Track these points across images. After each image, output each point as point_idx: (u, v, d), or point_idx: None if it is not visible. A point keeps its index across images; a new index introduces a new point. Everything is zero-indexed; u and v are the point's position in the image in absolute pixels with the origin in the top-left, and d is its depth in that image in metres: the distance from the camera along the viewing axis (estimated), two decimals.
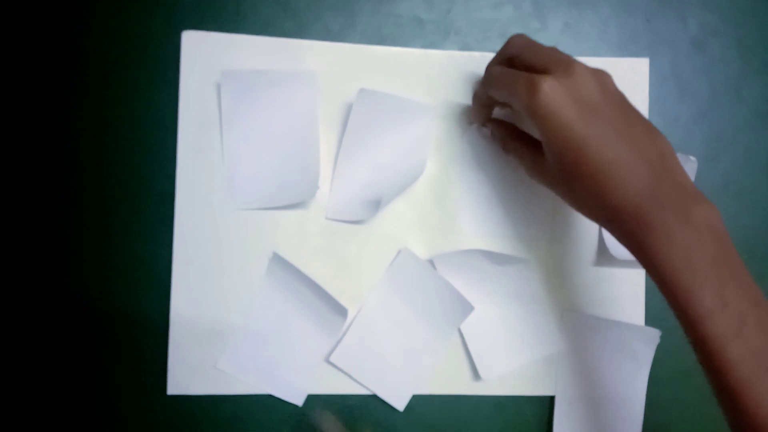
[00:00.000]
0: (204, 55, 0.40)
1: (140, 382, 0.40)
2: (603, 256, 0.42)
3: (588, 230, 0.43)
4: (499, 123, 0.40)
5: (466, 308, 0.40)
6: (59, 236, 0.40)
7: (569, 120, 0.31)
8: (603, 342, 0.42)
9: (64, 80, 0.40)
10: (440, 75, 0.42)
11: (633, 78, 0.43)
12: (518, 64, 0.35)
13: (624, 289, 0.43)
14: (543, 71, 0.32)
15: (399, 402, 0.41)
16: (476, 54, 0.42)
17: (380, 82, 0.41)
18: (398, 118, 0.40)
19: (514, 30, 0.43)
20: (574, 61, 0.32)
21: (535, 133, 0.34)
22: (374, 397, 0.41)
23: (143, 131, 0.40)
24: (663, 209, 0.30)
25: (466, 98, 0.42)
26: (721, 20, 0.44)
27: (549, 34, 0.43)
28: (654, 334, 0.42)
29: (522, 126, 0.39)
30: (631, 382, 0.42)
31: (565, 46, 0.43)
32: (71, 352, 0.40)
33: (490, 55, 0.42)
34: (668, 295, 0.30)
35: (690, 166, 0.42)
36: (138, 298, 0.40)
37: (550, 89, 0.31)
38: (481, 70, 0.42)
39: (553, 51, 0.34)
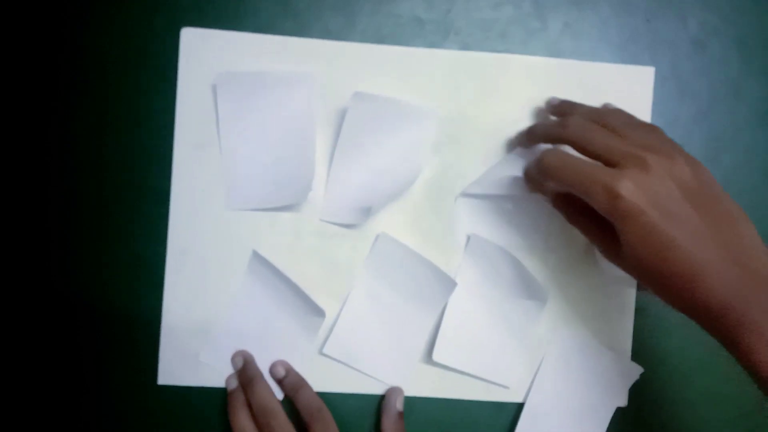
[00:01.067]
0: (203, 52, 0.40)
1: (133, 372, 0.40)
2: (596, 268, 0.42)
3: (583, 242, 0.42)
4: (562, 196, 0.38)
5: (450, 284, 0.40)
6: (57, 232, 0.40)
7: (652, 223, 0.30)
8: (583, 365, 0.42)
9: (63, 79, 0.40)
10: (441, 76, 0.42)
11: (637, 86, 0.43)
12: (577, 148, 0.34)
13: (615, 304, 0.43)
14: (611, 164, 0.32)
15: (396, 379, 0.41)
16: (479, 54, 0.42)
17: (380, 82, 0.41)
18: (394, 121, 0.40)
19: (515, 30, 0.43)
20: (648, 155, 0.31)
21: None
22: (358, 397, 0.41)
23: (142, 130, 0.40)
24: (753, 306, 0.29)
25: (466, 100, 0.42)
26: (721, 20, 0.44)
27: (549, 34, 0.43)
28: (634, 371, 0.42)
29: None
30: (598, 409, 0.42)
31: (565, 46, 0.43)
32: (69, 342, 0.40)
33: (494, 56, 0.42)
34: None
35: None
36: (133, 294, 0.40)
37: (630, 194, 0.30)
38: (483, 71, 0.42)
39: (622, 143, 0.32)
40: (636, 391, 0.43)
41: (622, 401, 0.43)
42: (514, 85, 0.42)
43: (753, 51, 0.44)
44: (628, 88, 0.43)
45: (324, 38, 0.41)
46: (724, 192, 0.32)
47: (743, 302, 0.29)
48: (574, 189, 0.33)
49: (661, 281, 0.31)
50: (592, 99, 0.42)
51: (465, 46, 0.42)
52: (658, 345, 0.43)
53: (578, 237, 0.42)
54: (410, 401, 0.42)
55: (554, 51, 0.43)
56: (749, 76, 0.44)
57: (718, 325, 0.30)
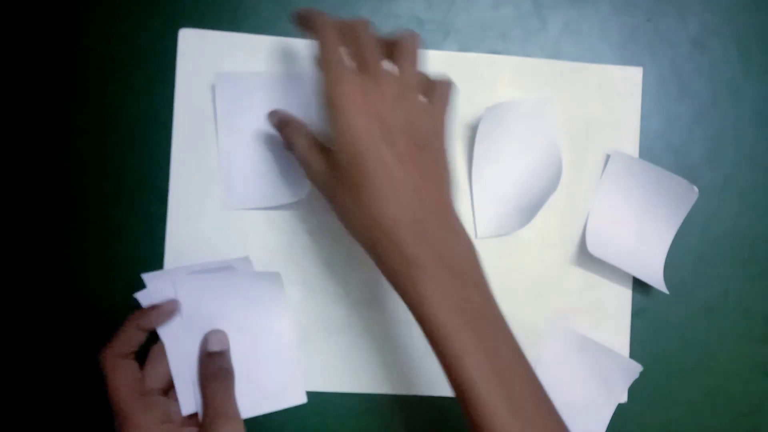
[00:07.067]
0: (201, 53, 0.40)
1: None
2: (592, 264, 0.42)
3: (578, 239, 0.43)
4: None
5: None
6: (58, 231, 0.40)
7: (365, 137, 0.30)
8: (583, 363, 0.42)
9: (63, 79, 0.40)
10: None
11: (626, 86, 0.43)
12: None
13: (611, 300, 0.43)
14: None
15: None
16: (470, 55, 0.42)
17: None
18: None
19: (514, 30, 0.43)
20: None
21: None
22: (375, 396, 0.41)
23: (141, 130, 0.40)
24: (425, 246, 0.30)
25: (462, 100, 0.42)
26: (721, 20, 0.44)
27: (549, 34, 0.43)
28: (634, 368, 0.41)
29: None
30: (597, 409, 0.42)
31: (565, 46, 0.43)
32: (69, 343, 0.40)
33: (485, 57, 0.42)
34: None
35: (690, 196, 0.41)
36: (132, 294, 0.40)
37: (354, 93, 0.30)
38: (475, 71, 0.42)
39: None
40: (635, 392, 0.42)
41: (623, 398, 0.43)
42: (505, 85, 0.42)
43: (753, 51, 0.44)
44: (617, 88, 0.43)
45: None
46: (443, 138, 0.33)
47: (419, 239, 0.30)
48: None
49: (354, 198, 0.31)
50: (582, 99, 0.42)
51: (465, 46, 0.42)
52: (658, 345, 0.43)
53: (574, 234, 0.42)
54: (409, 400, 0.42)
55: (554, 51, 0.43)
56: (749, 76, 0.44)
57: (391, 256, 0.31)
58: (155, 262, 0.40)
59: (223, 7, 0.41)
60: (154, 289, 0.36)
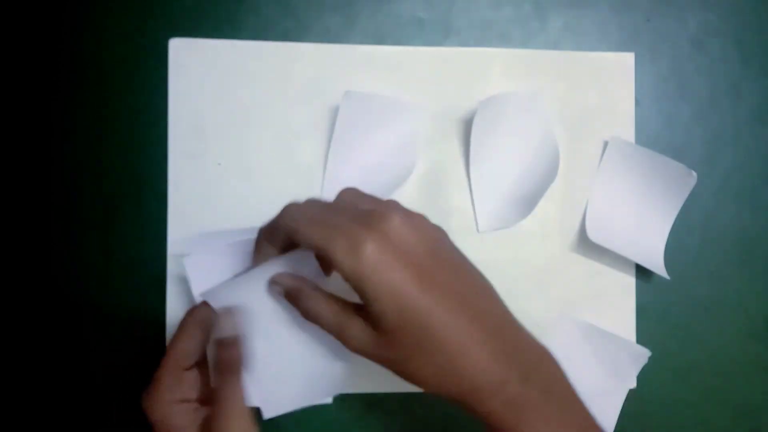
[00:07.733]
0: (192, 61, 0.40)
1: (139, 376, 0.40)
2: (593, 253, 0.42)
3: (577, 223, 0.43)
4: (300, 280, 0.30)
5: None
6: (58, 232, 0.40)
7: (404, 282, 0.26)
8: (590, 351, 0.42)
9: (63, 79, 0.40)
10: (429, 72, 0.42)
11: (619, 73, 0.43)
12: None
13: (615, 287, 0.43)
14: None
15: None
16: (462, 49, 0.42)
17: (371, 82, 0.41)
18: (385, 117, 0.41)
19: (515, 30, 0.43)
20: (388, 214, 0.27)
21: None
22: (377, 396, 0.41)
23: (141, 133, 0.40)
24: (526, 383, 0.28)
25: (455, 95, 0.42)
26: (721, 20, 0.44)
27: (549, 34, 0.43)
28: (642, 354, 0.41)
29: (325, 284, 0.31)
30: (607, 397, 0.42)
31: (564, 46, 0.43)
32: (74, 346, 0.40)
33: (476, 50, 0.42)
34: None
35: (689, 181, 0.41)
36: (137, 297, 0.40)
37: (376, 248, 0.26)
38: (469, 66, 0.42)
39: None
40: (635, 391, 0.43)
41: (632, 384, 0.43)
42: (500, 78, 0.42)
43: (753, 51, 0.44)
44: (610, 74, 0.43)
45: (324, 38, 0.41)
46: (465, 257, 0.30)
47: (518, 380, 0.27)
48: (314, 243, 0.27)
49: (419, 359, 0.27)
50: (576, 87, 0.43)
51: (465, 46, 0.42)
52: (658, 344, 0.43)
53: (575, 222, 0.43)
54: (413, 398, 0.42)
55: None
56: (749, 76, 0.44)
57: (489, 405, 0.27)
58: (156, 262, 0.40)
59: (225, 7, 0.41)
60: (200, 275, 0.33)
